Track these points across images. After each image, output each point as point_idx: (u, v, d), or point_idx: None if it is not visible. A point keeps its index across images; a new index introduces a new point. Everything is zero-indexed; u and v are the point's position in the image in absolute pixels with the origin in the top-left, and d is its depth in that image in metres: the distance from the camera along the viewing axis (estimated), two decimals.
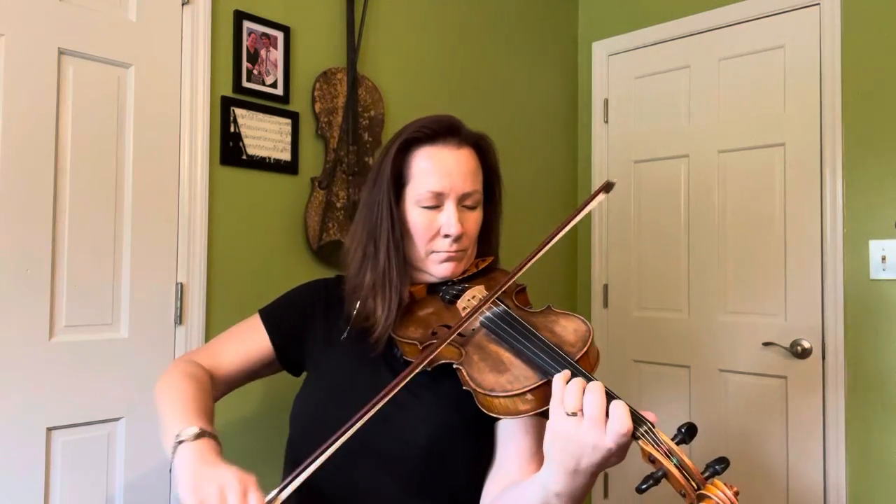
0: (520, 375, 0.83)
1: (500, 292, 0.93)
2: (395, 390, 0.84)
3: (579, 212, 0.98)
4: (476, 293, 1.03)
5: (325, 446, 0.81)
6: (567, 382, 0.77)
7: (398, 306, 1.03)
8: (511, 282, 0.95)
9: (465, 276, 1.09)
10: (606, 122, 2.81)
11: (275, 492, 0.80)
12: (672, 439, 0.74)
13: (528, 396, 0.81)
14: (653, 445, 0.73)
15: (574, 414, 0.74)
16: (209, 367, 1.13)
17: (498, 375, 0.84)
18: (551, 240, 0.96)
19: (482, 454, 1.01)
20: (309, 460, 0.80)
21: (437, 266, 1.07)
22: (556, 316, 0.94)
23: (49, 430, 1.42)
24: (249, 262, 1.76)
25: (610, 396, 0.76)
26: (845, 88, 2.18)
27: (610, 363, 2.76)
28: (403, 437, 0.97)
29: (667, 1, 2.62)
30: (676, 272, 2.58)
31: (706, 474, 0.73)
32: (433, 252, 1.06)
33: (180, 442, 0.89)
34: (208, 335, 1.66)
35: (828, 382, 2.19)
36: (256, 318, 1.18)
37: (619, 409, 0.74)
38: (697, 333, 2.50)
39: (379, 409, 0.89)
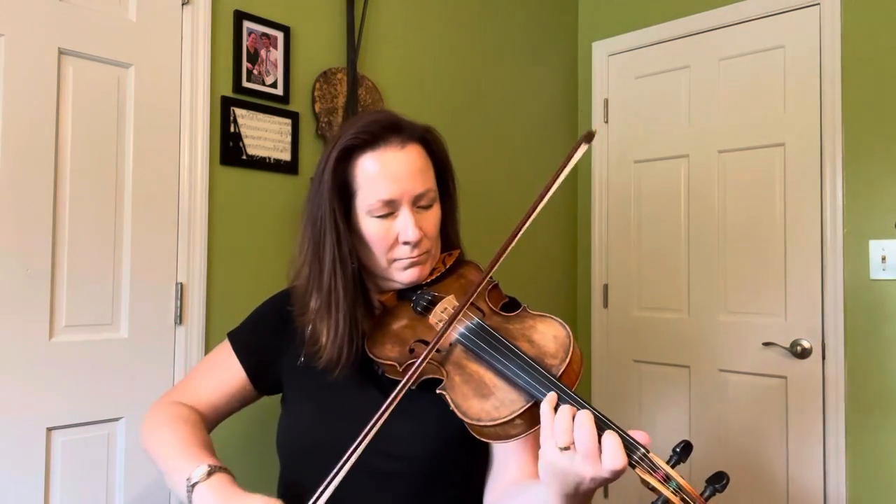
0: (505, 400, 0.80)
1: (468, 302, 0.88)
2: (389, 411, 0.81)
3: (560, 172, 0.93)
4: (447, 304, 0.97)
5: (333, 474, 0.79)
6: (555, 409, 0.74)
7: (351, 327, 0.97)
8: (481, 287, 0.90)
9: (433, 277, 1.03)
10: (606, 122, 2.81)
11: None
12: (668, 462, 0.72)
13: (517, 421, 0.78)
14: (649, 472, 0.71)
15: (566, 448, 0.72)
16: (194, 405, 1.08)
17: (482, 401, 0.81)
18: (527, 220, 0.92)
19: (478, 460, 1.00)
20: (321, 489, 0.79)
21: (401, 273, 1.00)
22: (532, 320, 0.89)
23: (49, 430, 1.42)
24: (249, 262, 1.76)
25: (600, 427, 0.73)
26: (845, 88, 2.18)
27: (610, 363, 2.76)
28: (400, 454, 0.95)
29: (667, 1, 2.62)
30: (676, 272, 2.57)
31: (706, 494, 0.71)
32: (395, 260, 0.99)
33: (195, 484, 0.87)
34: (208, 335, 1.66)
35: (828, 382, 2.19)
36: (227, 345, 1.12)
37: (612, 442, 0.71)
38: (697, 333, 2.50)
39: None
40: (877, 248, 2.10)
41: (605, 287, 2.79)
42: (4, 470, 1.35)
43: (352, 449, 0.80)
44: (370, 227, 0.98)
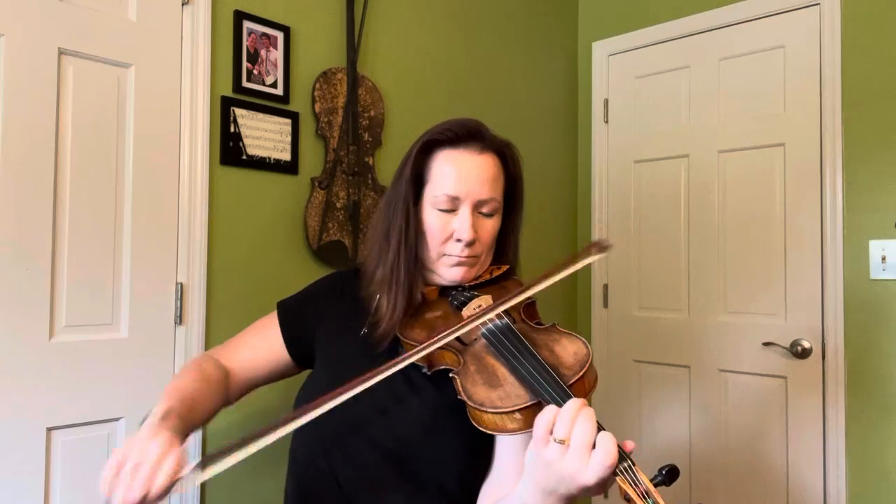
0: (511, 393, 0.82)
1: (502, 307, 0.91)
2: (380, 377, 0.83)
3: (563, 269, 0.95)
4: (482, 302, 1.01)
5: (307, 411, 0.81)
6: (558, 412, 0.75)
7: (406, 305, 1.03)
8: (517, 299, 0.93)
9: (476, 282, 1.08)
10: (606, 122, 2.81)
11: (195, 463, 0.79)
12: (651, 480, 0.72)
13: (517, 416, 0.80)
14: (630, 484, 0.71)
15: (562, 441, 0.73)
16: (228, 364, 1.14)
17: (490, 390, 0.84)
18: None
19: (478, 458, 1.00)
20: (286, 420, 0.80)
21: (447, 269, 1.06)
22: (558, 335, 0.92)
23: (49, 430, 1.42)
24: (249, 262, 1.76)
25: (599, 427, 0.74)
26: (845, 88, 2.18)
27: (610, 363, 2.76)
28: (399, 433, 0.98)
29: (667, 1, 2.62)
30: (676, 272, 2.58)
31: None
32: (445, 255, 1.05)
33: (144, 419, 0.90)
34: (208, 335, 1.66)
35: (828, 382, 2.19)
36: (274, 312, 1.18)
37: (607, 439, 0.72)
38: (697, 333, 2.50)
39: (378, 400, 0.89)
40: (877, 248, 2.10)
41: (605, 287, 2.79)
42: (4, 470, 1.35)
43: (334, 393, 0.82)
44: (431, 218, 1.04)
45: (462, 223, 1.02)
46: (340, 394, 0.83)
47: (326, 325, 1.14)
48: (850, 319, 2.15)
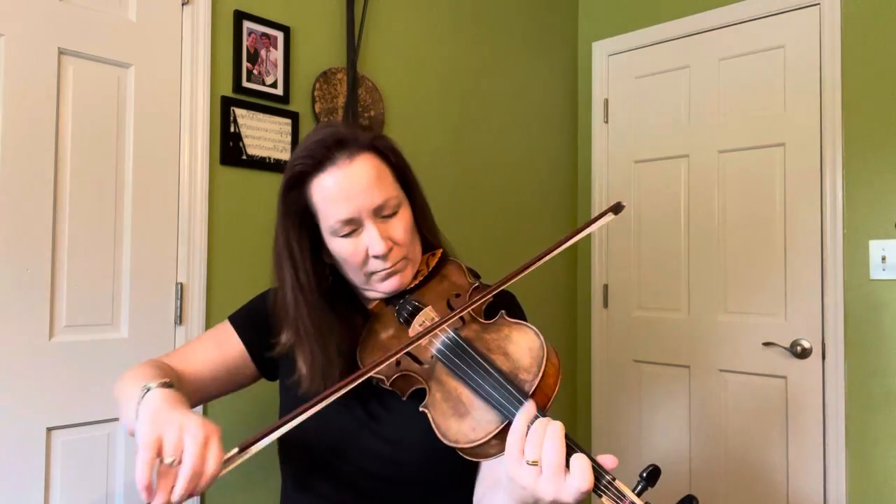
0: (482, 420, 0.80)
1: (439, 325, 0.88)
2: (347, 387, 0.81)
3: (581, 231, 0.92)
4: (424, 318, 0.96)
5: (282, 421, 0.78)
6: (528, 426, 0.74)
7: (323, 355, 0.96)
8: (464, 310, 0.90)
9: (417, 281, 1.02)
10: (606, 122, 2.81)
11: (235, 450, 0.77)
12: (633, 489, 0.71)
13: (493, 441, 0.79)
14: (615, 500, 0.70)
15: (534, 463, 0.71)
16: (179, 369, 1.05)
17: (460, 421, 0.82)
18: (544, 256, 0.91)
19: (472, 467, 1.00)
20: (267, 430, 0.78)
21: (381, 285, 0.99)
22: (508, 329, 0.88)
23: (49, 430, 1.42)
24: (249, 262, 1.76)
25: (570, 448, 0.72)
26: (845, 88, 2.18)
27: (610, 363, 2.76)
28: (398, 461, 0.97)
29: (667, 1, 2.62)
30: (676, 272, 2.57)
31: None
32: (372, 273, 0.98)
33: (148, 389, 0.84)
34: None
35: (828, 382, 2.19)
36: (226, 323, 1.11)
37: (581, 463, 0.70)
38: (697, 333, 2.50)
39: (370, 441, 0.89)
40: (877, 248, 2.10)
41: (605, 287, 2.79)
42: (4, 470, 1.35)
43: (305, 406, 0.79)
44: (339, 246, 0.97)
45: (371, 239, 0.95)
46: (337, 391, 0.80)
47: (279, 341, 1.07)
48: (850, 319, 2.15)
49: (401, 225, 0.98)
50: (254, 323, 1.10)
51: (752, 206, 2.39)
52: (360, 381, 0.83)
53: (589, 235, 2.85)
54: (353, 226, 0.95)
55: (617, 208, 0.94)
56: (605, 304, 2.79)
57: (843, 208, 2.18)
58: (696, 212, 2.53)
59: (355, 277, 1.00)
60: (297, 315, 0.97)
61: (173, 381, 0.89)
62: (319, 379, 0.95)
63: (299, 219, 0.97)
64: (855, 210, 2.16)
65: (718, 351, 2.44)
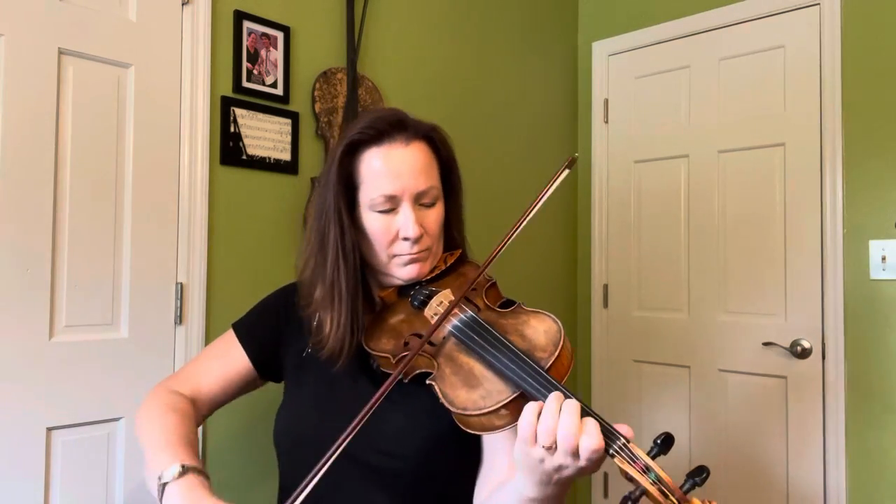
0: (492, 390, 0.80)
1: (463, 296, 0.90)
2: (377, 403, 0.81)
3: (543, 194, 0.96)
4: (443, 298, 0.98)
5: (317, 468, 0.78)
6: (540, 411, 0.74)
7: (350, 322, 0.99)
8: (476, 281, 0.92)
9: (433, 274, 1.04)
10: (606, 122, 2.81)
11: None
12: (648, 453, 0.72)
13: (503, 412, 0.79)
14: (628, 462, 0.71)
15: (549, 448, 0.73)
16: (190, 393, 1.09)
17: (470, 391, 0.82)
18: (517, 229, 0.94)
19: (470, 457, 1.00)
20: (301, 487, 0.77)
21: (401, 269, 1.01)
22: (526, 316, 0.90)
23: (49, 430, 1.42)
24: (249, 262, 1.76)
25: (583, 414, 0.73)
26: (845, 88, 2.18)
27: (610, 363, 2.76)
28: (390, 449, 0.95)
29: (667, 1, 2.62)
30: (676, 272, 2.58)
31: (685, 487, 0.70)
32: (395, 256, 1.01)
33: (165, 484, 0.87)
34: (208, 335, 1.66)
35: (828, 382, 2.19)
36: (230, 334, 1.14)
37: (590, 425, 0.72)
38: (697, 333, 2.50)
39: (367, 433, 0.87)
40: (877, 248, 2.10)
41: (605, 287, 2.79)
42: (4, 470, 1.35)
43: (338, 442, 0.79)
44: (372, 221, 1.00)
45: (406, 221, 0.98)
46: (355, 428, 0.80)
47: (290, 342, 1.10)
48: (850, 319, 2.15)
49: (434, 217, 1.02)
50: (263, 325, 1.13)
51: (752, 206, 2.39)
52: (402, 376, 0.85)
53: (589, 236, 2.85)
54: (392, 204, 0.98)
55: (571, 163, 1.00)
56: (605, 304, 2.79)
57: (843, 208, 2.18)
58: (696, 212, 2.53)
59: (379, 256, 1.01)
60: (335, 278, 0.99)
61: (186, 465, 0.90)
62: (340, 342, 0.98)
63: (345, 186, 1.00)
64: (855, 210, 2.16)
65: (718, 351, 2.44)
